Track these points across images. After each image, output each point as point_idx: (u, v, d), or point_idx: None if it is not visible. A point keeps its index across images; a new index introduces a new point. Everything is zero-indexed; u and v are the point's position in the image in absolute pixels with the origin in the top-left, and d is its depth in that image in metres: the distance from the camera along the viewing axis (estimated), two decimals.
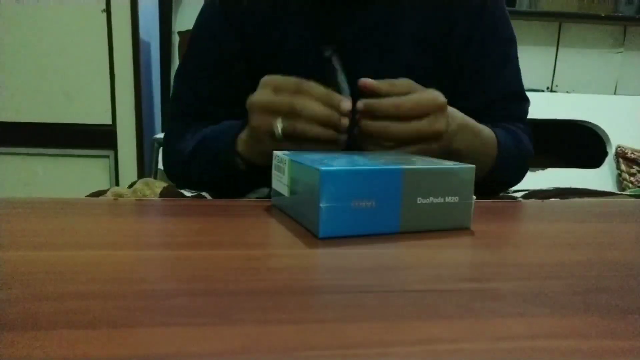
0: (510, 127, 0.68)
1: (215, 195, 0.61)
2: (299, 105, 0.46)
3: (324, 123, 0.47)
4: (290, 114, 0.47)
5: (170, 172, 0.70)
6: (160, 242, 0.35)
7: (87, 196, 0.53)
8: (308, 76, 0.48)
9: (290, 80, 0.48)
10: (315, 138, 0.47)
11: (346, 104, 0.46)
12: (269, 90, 0.49)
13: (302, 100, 0.47)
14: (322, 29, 0.66)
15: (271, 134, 0.48)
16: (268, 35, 0.66)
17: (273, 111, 0.48)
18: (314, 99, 0.47)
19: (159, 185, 0.57)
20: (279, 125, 0.47)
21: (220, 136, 0.59)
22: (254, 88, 0.51)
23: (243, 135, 0.55)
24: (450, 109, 0.53)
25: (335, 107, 0.46)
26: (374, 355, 0.19)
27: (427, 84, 0.51)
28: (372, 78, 0.49)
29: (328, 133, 0.47)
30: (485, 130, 0.60)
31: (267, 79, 0.50)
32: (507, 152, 0.62)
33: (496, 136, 0.62)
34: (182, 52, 2.20)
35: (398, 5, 0.67)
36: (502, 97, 0.71)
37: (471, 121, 0.57)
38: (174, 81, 0.73)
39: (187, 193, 0.60)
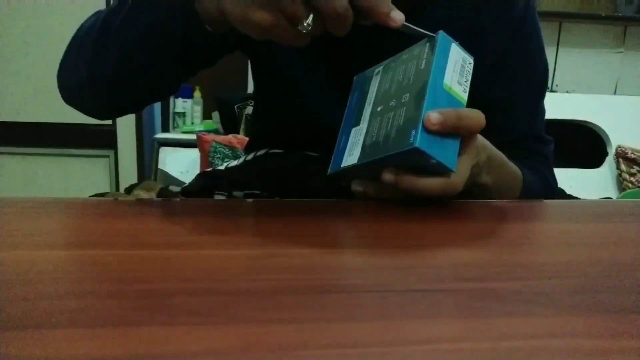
0: (534, 164, 0.63)
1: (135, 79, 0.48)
2: (338, 15, 0.36)
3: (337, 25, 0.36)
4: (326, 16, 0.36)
5: (72, 56, 0.51)
6: (160, 241, 0.35)
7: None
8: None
9: None
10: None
11: (397, 16, 0.38)
12: None
13: (348, 11, 0.36)
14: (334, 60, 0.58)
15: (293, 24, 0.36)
16: None
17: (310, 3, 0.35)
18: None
19: (156, 187, 0.57)
20: (308, 21, 0.36)
21: None
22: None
23: None
24: (479, 135, 0.46)
25: (382, 16, 0.37)
26: (374, 355, 0.19)
27: None
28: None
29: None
30: (510, 162, 0.54)
31: None
32: (529, 190, 0.57)
33: (521, 172, 0.56)
34: None
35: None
36: (531, 137, 0.65)
37: (498, 151, 0.51)
38: None
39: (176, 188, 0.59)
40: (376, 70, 0.50)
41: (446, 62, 0.42)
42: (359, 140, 0.46)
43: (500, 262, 0.31)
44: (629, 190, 1.90)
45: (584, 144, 2.07)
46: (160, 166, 1.94)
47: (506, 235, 0.38)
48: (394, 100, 0.44)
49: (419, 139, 0.39)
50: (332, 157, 0.50)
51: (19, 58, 1.81)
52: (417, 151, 0.39)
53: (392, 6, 0.38)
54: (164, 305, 0.23)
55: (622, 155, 1.97)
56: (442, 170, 0.41)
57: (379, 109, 0.46)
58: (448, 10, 0.59)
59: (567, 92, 2.23)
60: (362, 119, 0.48)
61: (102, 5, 1.76)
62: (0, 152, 1.88)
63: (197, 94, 2.29)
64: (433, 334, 0.21)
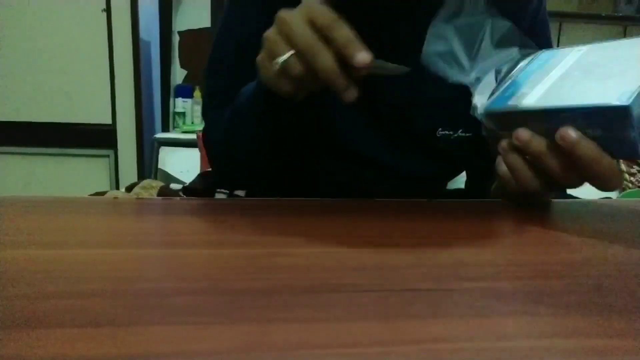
0: None
1: (264, 172, 0.58)
2: (312, 53, 0.40)
3: (326, 80, 0.40)
4: (302, 54, 0.40)
5: (218, 164, 0.64)
6: (161, 241, 0.35)
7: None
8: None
9: (327, 18, 0.40)
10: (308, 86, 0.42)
11: (361, 57, 0.39)
12: (301, 19, 0.41)
13: (321, 49, 0.40)
14: None
15: (272, 60, 0.42)
16: None
17: (290, 43, 0.41)
18: (334, 50, 0.40)
19: (157, 185, 0.56)
20: (282, 57, 0.41)
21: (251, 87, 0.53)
22: None
23: None
24: None
25: (349, 58, 0.39)
26: (374, 354, 0.19)
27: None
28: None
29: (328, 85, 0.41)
30: None
31: (306, 4, 0.41)
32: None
33: None
34: (182, 52, 2.20)
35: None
36: None
37: None
38: (205, 75, 0.65)
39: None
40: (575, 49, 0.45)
41: None
42: (538, 85, 0.42)
43: (500, 262, 0.31)
44: (629, 190, 1.90)
45: None
46: (160, 166, 1.94)
47: (506, 235, 0.38)
48: (602, 68, 0.39)
49: (632, 99, 0.32)
50: (489, 98, 0.46)
51: (19, 58, 1.81)
52: (623, 111, 0.32)
53: (360, 47, 0.39)
54: (164, 304, 0.23)
55: None
56: (624, 153, 0.35)
57: (575, 73, 0.41)
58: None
59: None
60: (547, 74, 0.43)
61: (101, 6, 1.76)
62: (0, 152, 1.88)
63: (197, 93, 2.29)
64: (433, 333, 0.21)
